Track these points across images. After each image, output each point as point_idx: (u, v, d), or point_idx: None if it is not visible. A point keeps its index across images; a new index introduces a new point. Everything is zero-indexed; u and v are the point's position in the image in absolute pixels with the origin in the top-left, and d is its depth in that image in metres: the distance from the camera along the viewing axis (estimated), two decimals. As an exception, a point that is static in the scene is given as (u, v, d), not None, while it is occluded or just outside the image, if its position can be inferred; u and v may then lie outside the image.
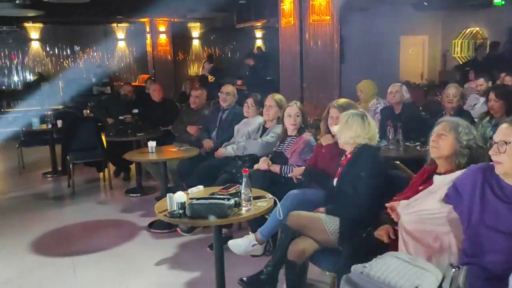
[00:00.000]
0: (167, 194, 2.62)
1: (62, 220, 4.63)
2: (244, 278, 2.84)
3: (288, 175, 3.46)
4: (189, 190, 2.87)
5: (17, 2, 7.25)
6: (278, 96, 4.11)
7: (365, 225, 2.47)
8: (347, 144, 2.78)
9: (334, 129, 2.92)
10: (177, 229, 3.87)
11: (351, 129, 2.72)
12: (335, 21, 5.65)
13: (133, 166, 5.84)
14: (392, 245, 2.18)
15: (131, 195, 5.37)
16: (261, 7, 9.40)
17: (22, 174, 6.46)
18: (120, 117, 5.59)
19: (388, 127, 3.94)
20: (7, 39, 11.74)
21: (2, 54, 11.77)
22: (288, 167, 3.50)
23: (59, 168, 6.29)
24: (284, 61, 6.21)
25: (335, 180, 2.84)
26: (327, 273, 2.61)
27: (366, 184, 2.61)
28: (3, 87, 11.67)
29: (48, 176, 6.30)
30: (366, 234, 2.40)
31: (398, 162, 3.07)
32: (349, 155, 2.78)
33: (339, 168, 2.84)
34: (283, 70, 6.27)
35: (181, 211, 2.43)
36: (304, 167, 3.35)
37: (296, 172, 3.38)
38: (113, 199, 5.37)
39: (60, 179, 6.18)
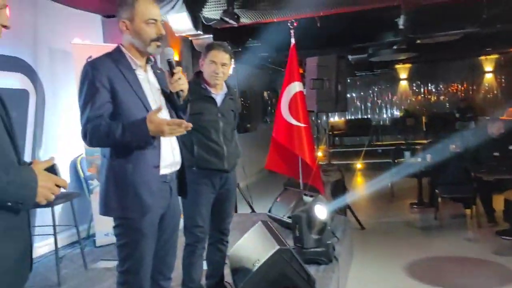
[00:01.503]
0: None
1: (429, 250, 4.83)
2: None
3: None
4: None
5: (394, 48, 8.15)
6: None
7: None
8: None
9: None
10: None
11: None
12: None
13: (500, 206, 5.47)
14: None
15: (503, 237, 5.03)
16: None
17: (392, 202, 7.12)
18: (495, 154, 5.36)
19: None
20: (378, 81, 13.32)
21: (375, 94, 13.42)
22: None
23: (425, 200, 6.58)
24: None
25: None
26: None
27: None
28: (374, 122, 13.22)
29: (415, 206, 6.70)
30: None
31: None
32: None
33: None
34: None
35: None
36: None
37: None
38: (482, 238, 5.16)
39: (426, 210, 6.45)
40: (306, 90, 5.15)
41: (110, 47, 2.16)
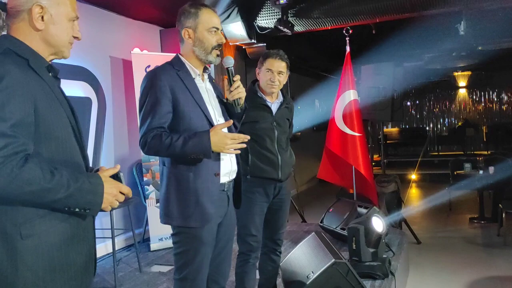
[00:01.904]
0: None
1: (492, 268, 4.53)
2: None
3: None
4: None
5: (453, 54, 7.81)
6: None
7: None
8: None
9: None
10: None
11: None
12: None
13: None
14: None
15: None
16: None
17: (449, 215, 6.79)
18: None
19: None
20: (435, 89, 12.82)
21: (431, 102, 12.92)
22: None
23: (487, 215, 6.22)
24: None
25: None
26: None
27: None
28: (429, 132, 12.72)
29: (475, 221, 6.35)
30: None
31: None
32: None
33: None
34: None
35: None
36: None
37: None
38: None
39: (488, 226, 6.09)
40: (360, 99, 5.04)
41: (168, 56, 2.20)
